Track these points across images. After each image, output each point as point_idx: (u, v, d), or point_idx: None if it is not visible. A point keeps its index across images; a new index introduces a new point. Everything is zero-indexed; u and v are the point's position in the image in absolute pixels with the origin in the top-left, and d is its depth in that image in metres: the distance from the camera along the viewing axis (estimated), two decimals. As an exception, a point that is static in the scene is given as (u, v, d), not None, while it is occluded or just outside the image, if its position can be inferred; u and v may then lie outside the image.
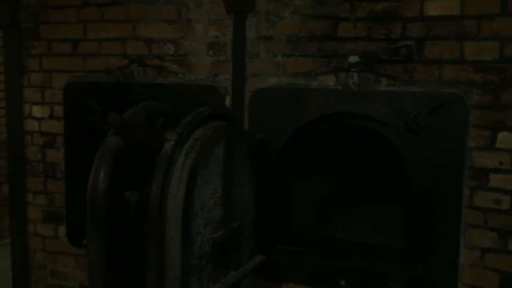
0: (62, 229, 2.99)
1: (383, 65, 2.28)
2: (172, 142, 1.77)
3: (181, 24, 2.62)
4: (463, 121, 2.16)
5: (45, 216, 3.03)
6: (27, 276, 3.09)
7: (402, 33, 2.25)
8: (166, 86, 2.67)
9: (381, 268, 2.38)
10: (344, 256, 2.48)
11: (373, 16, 2.28)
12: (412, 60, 2.24)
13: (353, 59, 2.33)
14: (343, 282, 2.43)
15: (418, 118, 2.19)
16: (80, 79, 2.86)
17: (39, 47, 2.93)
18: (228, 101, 2.56)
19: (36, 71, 2.96)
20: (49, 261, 3.05)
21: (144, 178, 1.90)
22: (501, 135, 2.13)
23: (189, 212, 1.74)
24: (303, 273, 2.51)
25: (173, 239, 1.71)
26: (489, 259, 2.19)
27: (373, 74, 2.30)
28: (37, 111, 2.99)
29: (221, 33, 2.55)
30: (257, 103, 2.50)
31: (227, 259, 2.00)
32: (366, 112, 2.31)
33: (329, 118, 2.44)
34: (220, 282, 1.97)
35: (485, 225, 2.18)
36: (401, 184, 2.49)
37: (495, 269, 2.19)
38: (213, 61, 2.58)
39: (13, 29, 2.97)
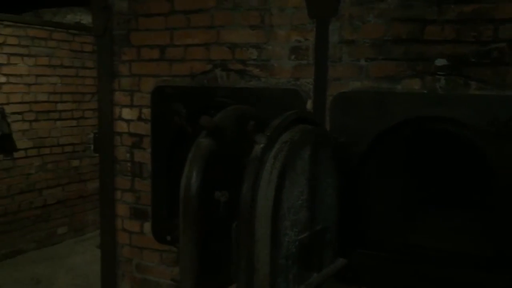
0: (147, 226, 3.15)
1: (472, 68, 2.22)
2: (261, 145, 1.82)
3: (264, 30, 2.69)
4: (560, 127, 2.06)
5: (132, 213, 3.21)
6: (114, 269, 3.28)
7: (494, 35, 2.17)
8: (249, 89, 2.74)
9: (467, 277, 2.31)
10: (425, 263, 2.43)
11: (462, 18, 2.23)
12: (504, 63, 2.16)
13: (440, 62, 2.28)
14: (425, 290, 2.38)
15: (511, 123, 2.11)
16: (167, 83, 3.00)
17: (129, 53, 3.11)
18: (309, 104, 2.59)
19: (126, 76, 3.15)
20: (135, 255, 3.22)
21: (233, 179, 1.98)
22: None
23: (277, 213, 1.79)
24: (383, 279, 2.49)
25: (263, 239, 1.76)
26: None
27: (462, 78, 2.24)
28: (126, 113, 3.17)
29: (303, 38, 2.59)
30: (339, 106, 2.51)
31: (311, 261, 2.03)
32: (453, 117, 2.26)
33: (413, 122, 2.41)
34: (304, 284, 2.00)
35: None
36: (486, 191, 2.40)
37: None
38: (295, 65, 2.63)
39: (105, 36, 3.17)
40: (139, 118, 3.13)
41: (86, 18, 7.54)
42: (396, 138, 2.50)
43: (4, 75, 4.97)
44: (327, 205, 2.21)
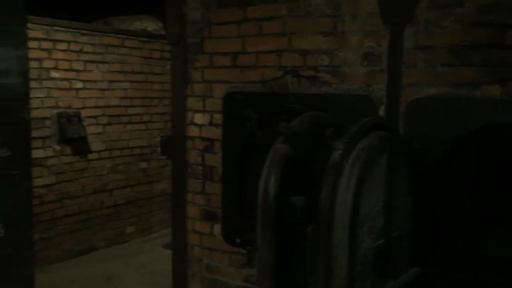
0: (217, 228, 3.24)
1: (558, 74, 2.13)
2: (340, 151, 1.85)
3: (336, 36, 2.71)
4: None
5: (203, 215, 3.31)
6: (185, 269, 3.40)
7: None
8: (320, 96, 2.77)
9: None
10: (497, 274, 2.35)
11: (548, 22, 2.15)
12: None
13: (523, 68, 2.21)
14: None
15: None
16: (238, 89, 3.08)
17: (202, 60, 3.22)
18: (382, 110, 2.58)
19: (198, 82, 3.26)
20: (205, 256, 3.32)
21: (308, 184, 2.01)
22: None
23: (355, 219, 1.81)
24: (457, 289, 2.43)
25: (341, 244, 1.78)
26: None
27: (547, 84, 2.16)
28: (198, 118, 3.28)
29: (376, 44, 2.58)
30: (414, 113, 2.48)
31: (387, 268, 2.02)
32: (537, 124, 2.18)
33: (492, 129, 2.34)
34: (380, 290, 2.00)
35: None
36: None
37: None
38: (367, 71, 2.62)
39: (179, 44, 3.30)
40: (211, 123, 3.23)
41: (151, 25, 7.84)
42: (472, 145, 2.44)
43: (81, 81, 5.26)
44: (402, 212, 2.19)
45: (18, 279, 2.72)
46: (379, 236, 1.97)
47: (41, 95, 4.87)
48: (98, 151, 5.52)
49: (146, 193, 6.11)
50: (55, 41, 4.95)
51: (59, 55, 5.01)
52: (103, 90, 5.51)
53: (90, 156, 5.43)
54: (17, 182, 2.69)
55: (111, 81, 5.59)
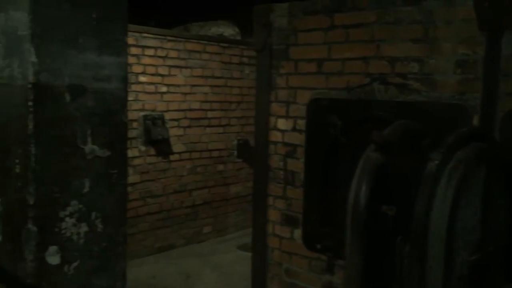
0: (297, 232, 3.27)
1: None
2: (436, 162, 1.81)
3: (427, 43, 2.65)
4: None
5: (283, 219, 3.35)
6: (264, 271, 3.46)
7: None
8: (408, 104, 2.72)
9: None
10: None
11: None
12: None
13: None
14: None
15: None
16: (322, 96, 3.10)
17: (287, 66, 3.27)
18: (475, 120, 2.49)
19: (282, 88, 3.31)
20: (284, 260, 3.36)
21: (400, 194, 1.99)
22: None
23: (452, 232, 1.76)
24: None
25: (436, 257, 1.75)
26: None
27: None
28: (281, 123, 3.33)
29: (471, 51, 2.50)
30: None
31: (483, 284, 1.95)
32: None
33: None
34: (474, 307, 1.93)
35: None
36: None
37: None
38: (460, 79, 2.55)
39: (265, 50, 3.37)
40: (294, 129, 3.27)
41: (227, 31, 8.04)
42: None
43: (165, 85, 5.50)
44: (498, 227, 2.11)
45: (114, 272, 2.87)
46: (475, 250, 1.91)
47: (130, 99, 5.15)
48: (179, 153, 5.73)
49: (222, 194, 6.27)
50: (143, 47, 5.22)
51: (147, 60, 5.27)
52: (185, 94, 5.73)
53: (172, 157, 5.65)
54: (114, 180, 2.84)
55: (193, 86, 5.79)
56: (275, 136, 3.37)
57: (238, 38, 7.45)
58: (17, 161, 2.51)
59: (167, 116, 5.54)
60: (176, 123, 5.66)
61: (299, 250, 3.26)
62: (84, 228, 2.68)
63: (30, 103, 2.40)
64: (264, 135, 3.42)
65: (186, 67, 5.70)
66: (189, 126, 5.82)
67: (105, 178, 2.73)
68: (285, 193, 3.33)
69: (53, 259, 2.54)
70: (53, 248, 2.53)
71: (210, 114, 6.03)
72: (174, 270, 5.07)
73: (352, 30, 2.94)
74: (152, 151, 5.43)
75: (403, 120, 2.30)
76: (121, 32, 2.77)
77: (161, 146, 5.48)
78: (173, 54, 5.55)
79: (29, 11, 2.37)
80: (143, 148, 5.33)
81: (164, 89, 5.49)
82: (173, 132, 5.63)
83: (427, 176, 1.80)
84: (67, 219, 2.57)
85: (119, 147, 2.81)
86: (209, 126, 6.03)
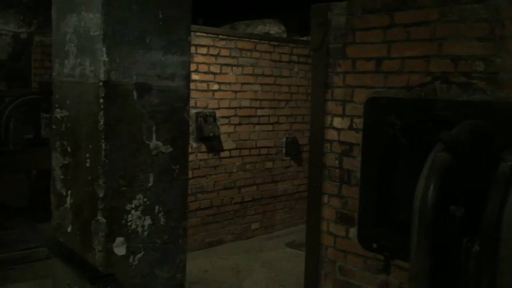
0: (353, 231, 3.27)
1: None
2: (509, 163, 1.78)
3: (494, 41, 2.59)
4: None
5: (338, 217, 3.36)
6: (318, 269, 3.48)
7: None
8: (473, 103, 2.67)
9: None
10: None
11: None
12: None
13: None
14: None
15: None
16: (381, 95, 3.08)
17: (344, 65, 3.27)
18: (544, 120, 2.43)
19: (339, 87, 3.31)
20: (338, 258, 3.37)
21: (469, 195, 1.97)
22: None
23: (525, 234, 1.73)
24: None
25: (508, 259, 1.72)
26: None
27: None
28: (337, 122, 3.34)
29: (541, 50, 2.44)
30: None
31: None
32: None
33: None
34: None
35: None
36: None
37: None
38: (529, 78, 2.48)
39: (321, 49, 3.38)
40: (350, 127, 3.27)
41: (273, 29, 8.07)
42: None
43: (217, 83, 5.59)
44: None
45: (174, 264, 2.97)
46: (547, 254, 1.86)
47: (182, 96, 5.27)
48: (229, 150, 5.82)
49: (270, 192, 6.32)
50: (197, 45, 5.33)
51: (200, 58, 5.37)
52: (235, 92, 5.80)
53: (222, 154, 5.75)
54: (176, 175, 2.94)
55: (243, 84, 5.86)
56: (331, 134, 3.38)
57: (284, 36, 7.49)
58: (87, 155, 2.64)
59: (218, 113, 5.63)
60: (226, 121, 5.75)
61: (354, 249, 3.26)
62: (148, 221, 2.79)
63: (101, 101, 2.52)
64: (319, 133, 3.44)
65: (237, 65, 5.77)
66: (239, 124, 5.90)
67: (168, 173, 2.83)
68: (341, 191, 3.34)
69: (120, 249, 2.66)
70: (120, 240, 2.64)
71: (259, 112, 6.08)
72: (225, 265, 5.16)
73: (413, 29, 2.91)
74: (204, 148, 5.54)
75: (470, 120, 2.26)
76: (185, 31, 2.85)
77: (212, 143, 5.58)
78: (224, 52, 5.63)
79: (102, 12, 2.49)
80: (195, 144, 5.45)
81: (215, 87, 5.59)
82: (223, 129, 5.72)
83: (499, 177, 1.77)
84: (133, 211, 2.68)
85: (181, 144, 2.90)
86: (258, 123, 6.09)
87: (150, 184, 2.72)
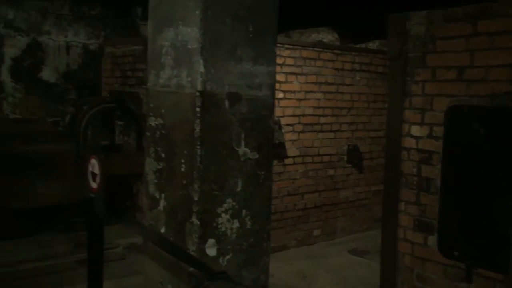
0: (432, 239, 3.28)
1: None
2: None
3: None
4: None
5: (416, 225, 3.38)
6: (394, 275, 3.50)
7: None
8: None
9: None
10: None
11: None
12: None
13: None
14: None
15: None
16: (462, 103, 3.10)
17: (423, 74, 3.30)
18: None
19: (418, 95, 3.34)
20: (416, 265, 3.38)
21: None
22: None
23: None
24: None
25: None
26: None
27: None
28: (415, 130, 3.37)
29: None
30: None
31: None
32: None
33: None
34: None
35: None
36: None
37: None
38: None
39: (400, 58, 3.43)
40: (430, 135, 3.29)
41: (327, 37, 8.12)
42: None
43: (282, 91, 5.71)
44: None
45: (259, 266, 3.08)
46: None
47: (249, 104, 5.41)
48: (293, 157, 5.91)
49: (332, 199, 6.36)
50: (264, 55, 5.46)
51: (266, 68, 5.50)
52: (299, 100, 5.90)
53: (286, 161, 5.85)
54: (261, 181, 3.06)
55: (307, 92, 5.96)
56: (409, 142, 3.41)
57: (337, 44, 7.53)
58: (182, 161, 2.80)
59: (283, 121, 5.75)
60: (291, 128, 5.85)
61: (433, 257, 3.26)
62: (236, 224, 2.92)
63: (197, 109, 2.67)
64: (397, 141, 3.47)
65: (301, 74, 5.87)
66: (302, 131, 5.98)
67: (254, 179, 2.95)
68: (419, 199, 3.36)
69: (211, 251, 2.80)
70: (211, 241, 2.79)
71: (322, 119, 6.15)
72: (290, 270, 5.24)
73: (498, 37, 2.92)
74: (269, 154, 5.65)
75: None
76: (272, 43, 2.98)
77: (278, 150, 5.69)
78: (289, 61, 5.75)
79: (200, 26, 2.65)
80: (261, 151, 5.57)
81: (281, 95, 5.70)
82: (288, 136, 5.82)
83: None
84: (223, 215, 2.82)
85: (266, 150, 3.03)
86: (321, 131, 6.16)
87: (238, 189, 2.85)
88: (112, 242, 5.15)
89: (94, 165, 2.66)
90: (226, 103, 2.78)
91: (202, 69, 2.66)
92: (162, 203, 2.95)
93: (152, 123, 2.97)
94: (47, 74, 7.19)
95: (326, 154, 6.24)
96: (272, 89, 2.99)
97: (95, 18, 7.56)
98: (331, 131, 6.26)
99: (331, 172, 6.32)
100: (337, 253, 5.88)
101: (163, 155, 2.92)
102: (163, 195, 2.93)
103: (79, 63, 7.46)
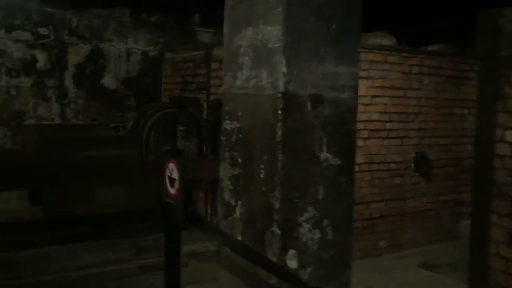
0: (531, 255, 2.98)
1: None
2: None
3: None
4: None
5: (511, 239, 3.08)
6: (485, 294, 3.22)
7: None
8: None
9: None
10: None
11: None
12: None
13: None
14: None
15: None
16: None
17: (519, 74, 3.03)
18: None
19: (512, 98, 3.07)
20: (510, 284, 3.08)
21: None
22: None
23: None
24: None
25: None
26: None
27: None
28: (510, 135, 3.08)
29: None
30: None
31: None
32: None
33: None
34: None
35: None
36: None
37: None
38: None
39: (491, 58, 3.16)
40: (528, 141, 3.00)
41: (384, 41, 7.80)
42: None
43: (347, 96, 5.48)
44: None
45: (341, 281, 2.87)
46: None
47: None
48: (359, 164, 5.65)
49: (398, 208, 6.05)
50: (330, 58, 5.27)
51: (332, 71, 5.31)
52: (365, 105, 5.66)
53: (352, 169, 5.60)
54: (343, 189, 2.86)
55: (373, 96, 5.71)
56: (502, 148, 3.13)
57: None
58: (262, 166, 2.64)
59: (348, 127, 5.51)
60: (356, 134, 5.60)
61: (532, 275, 2.97)
62: (317, 234, 2.73)
63: (279, 112, 2.51)
64: (488, 147, 3.20)
65: (367, 78, 5.63)
66: (368, 138, 5.73)
67: (336, 186, 2.76)
68: (514, 211, 3.07)
69: (292, 262, 2.62)
70: (292, 252, 2.61)
71: (388, 125, 5.88)
72: (358, 283, 4.96)
73: None
74: (335, 161, 5.43)
75: None
76: (354, 42, 2.79)
77: (343, 157, 5.46)
78: (355, 64, 5.52)
79: (283, 24, 2.49)
80: (326, 158, 5.36)
81: (346, 100, 5.48)
82: (353, 143, 5.58)
83: None
84: (304, 224, 2.64)
85: (349, 156, 2.83)
86: (387, 138, 5.88)
87: (319, 197, 2.67)
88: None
89: (172, 170, 2.55)
90: (308, 105, 2.62)
91: (284, 69, 2.51)
92: (238, 211, 2.80)
93: (228, 127, 2.84)
94: (108, 81, 7.30)
95: (393, 162, 5.95)
96: (355, 91, 2.80)
97: (154, 25, 7.62)
98: (397, 137, 5.97)
99: (398, 180, 6.02)
100: (406, 266, 5.57)
101: (239, 160, 2.78)
102: (239, 202, 2.79)
103: (138, 69, 7.54)
